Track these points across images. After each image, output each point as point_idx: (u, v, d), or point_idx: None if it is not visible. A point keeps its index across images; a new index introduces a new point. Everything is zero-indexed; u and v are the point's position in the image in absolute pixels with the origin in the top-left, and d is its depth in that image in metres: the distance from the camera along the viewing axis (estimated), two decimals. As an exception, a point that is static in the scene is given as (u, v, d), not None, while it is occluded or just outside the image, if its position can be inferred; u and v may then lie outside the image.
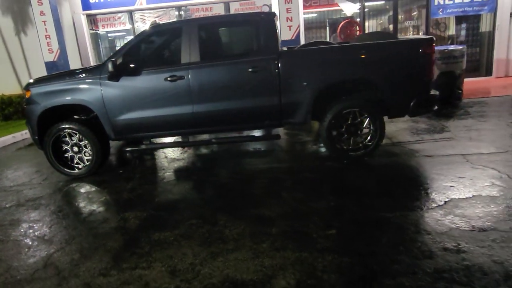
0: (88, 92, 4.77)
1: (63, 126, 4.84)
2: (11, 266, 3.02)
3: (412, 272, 2.47)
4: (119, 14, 10.61)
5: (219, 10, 10.39)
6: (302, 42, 8.97)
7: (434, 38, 4.53)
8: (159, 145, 5.60)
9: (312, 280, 2.48)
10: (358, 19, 10.13)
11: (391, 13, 10.27)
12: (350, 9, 9.91)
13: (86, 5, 10.38)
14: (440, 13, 9.94)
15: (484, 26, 10.25)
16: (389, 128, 5.91)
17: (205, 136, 5.62)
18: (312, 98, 4.51)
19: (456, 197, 3.47)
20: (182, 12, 10.56)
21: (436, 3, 9.84)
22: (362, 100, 4.54)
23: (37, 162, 5.93)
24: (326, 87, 4.50)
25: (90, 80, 4.77)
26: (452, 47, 7.22)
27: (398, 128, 5.99)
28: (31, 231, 3.62)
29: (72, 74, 4.97)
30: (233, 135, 6.04)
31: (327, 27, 10.58)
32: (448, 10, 9.91)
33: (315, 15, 10.49)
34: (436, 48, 7.41)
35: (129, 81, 4.70)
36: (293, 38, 8.85)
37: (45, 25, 9.28)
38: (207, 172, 4.84)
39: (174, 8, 10.48)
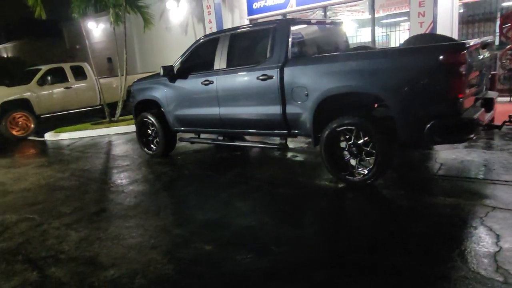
0: (158, 90, 5.93)
1: (143, 115, 6.20)
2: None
3: None
4: (275, 17, 11.56)
5: (363, 7, 9.84)
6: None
7: (467, 43, 3.26)
8: (196, 141, 6.07)
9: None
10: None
11: None
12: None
13: (250, 11, 11.91)
14: None
15: None
16: (463, 156, 4.53)
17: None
18: (312, 110, 4.15)
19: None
20: (328, 12, 10.56)
21: None
22: (361, 117, 3.82)
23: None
24: (325, 99, 4.04)
25: (160, 81, 5.89)
26: None
27: (477, 157, 4.49)
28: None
29: (154, 76, 6.25)
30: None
31: (497, 20, 8.30)
32: None
33: (477, 5, 8.40)
34: None
35: (180, 83, 5.57)
36: (423, 36, 7.51)
37: (211, 30, 11.29)
38: (218, 173, 5.10)
39: (320, 9, 10.60)
